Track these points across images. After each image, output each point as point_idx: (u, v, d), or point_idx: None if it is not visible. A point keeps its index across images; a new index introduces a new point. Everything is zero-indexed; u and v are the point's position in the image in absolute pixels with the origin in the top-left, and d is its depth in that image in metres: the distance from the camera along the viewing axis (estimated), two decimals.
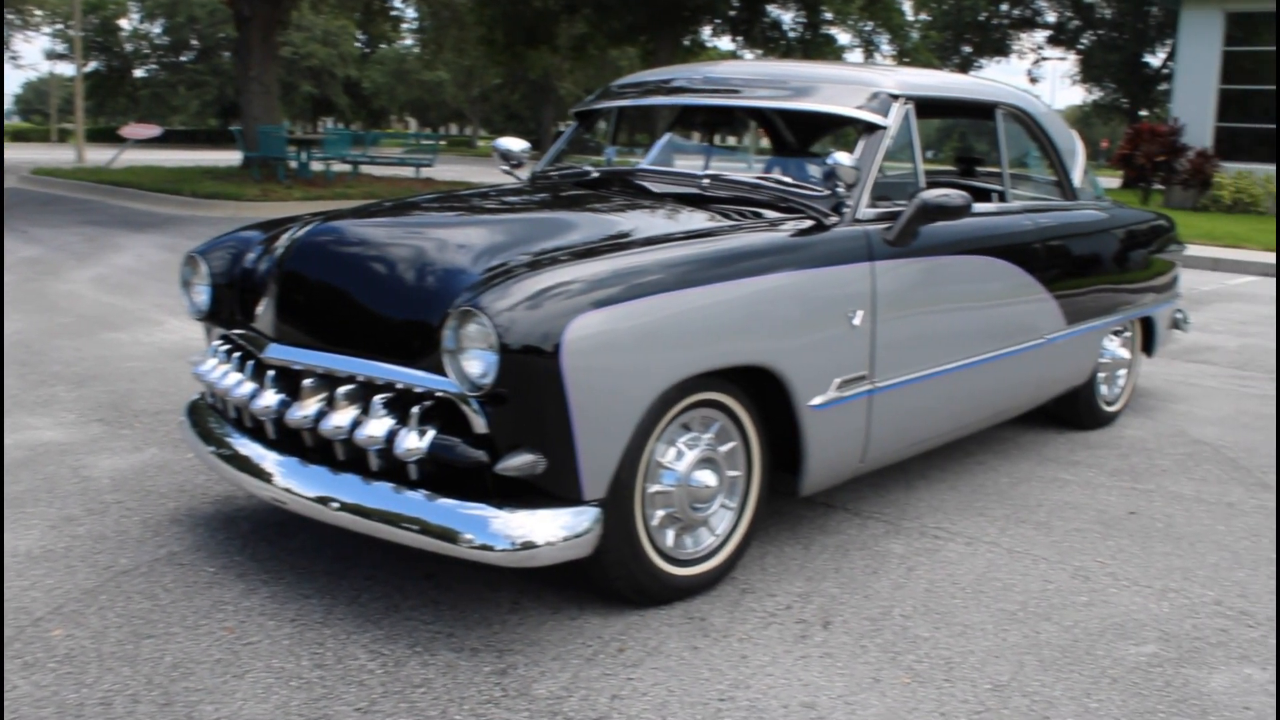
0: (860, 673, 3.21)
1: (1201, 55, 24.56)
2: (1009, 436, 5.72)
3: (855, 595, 3.73)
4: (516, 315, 3.09)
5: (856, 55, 40.67)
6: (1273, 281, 13.62)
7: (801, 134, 5.73)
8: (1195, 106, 24.48)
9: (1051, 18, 47.08)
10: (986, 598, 3.76)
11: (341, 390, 3.39)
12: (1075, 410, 5.82)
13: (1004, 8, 46.63)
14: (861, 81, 4.58)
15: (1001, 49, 48.14)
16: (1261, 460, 5.51)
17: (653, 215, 4.06)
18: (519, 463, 3.14)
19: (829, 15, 32.54)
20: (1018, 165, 5.63)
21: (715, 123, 5.55)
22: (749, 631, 3.44)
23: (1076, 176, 5.68)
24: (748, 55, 34.38)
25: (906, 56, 37.02)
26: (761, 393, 3.74)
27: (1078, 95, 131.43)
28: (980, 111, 5.21)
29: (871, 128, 4.35)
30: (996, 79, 6.67)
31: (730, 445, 3.70)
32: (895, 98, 4.44)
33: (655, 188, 4.52)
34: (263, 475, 3.52)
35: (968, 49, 47.53)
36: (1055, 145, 5.58)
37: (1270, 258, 14.90)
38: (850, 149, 4.28)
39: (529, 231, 3.71)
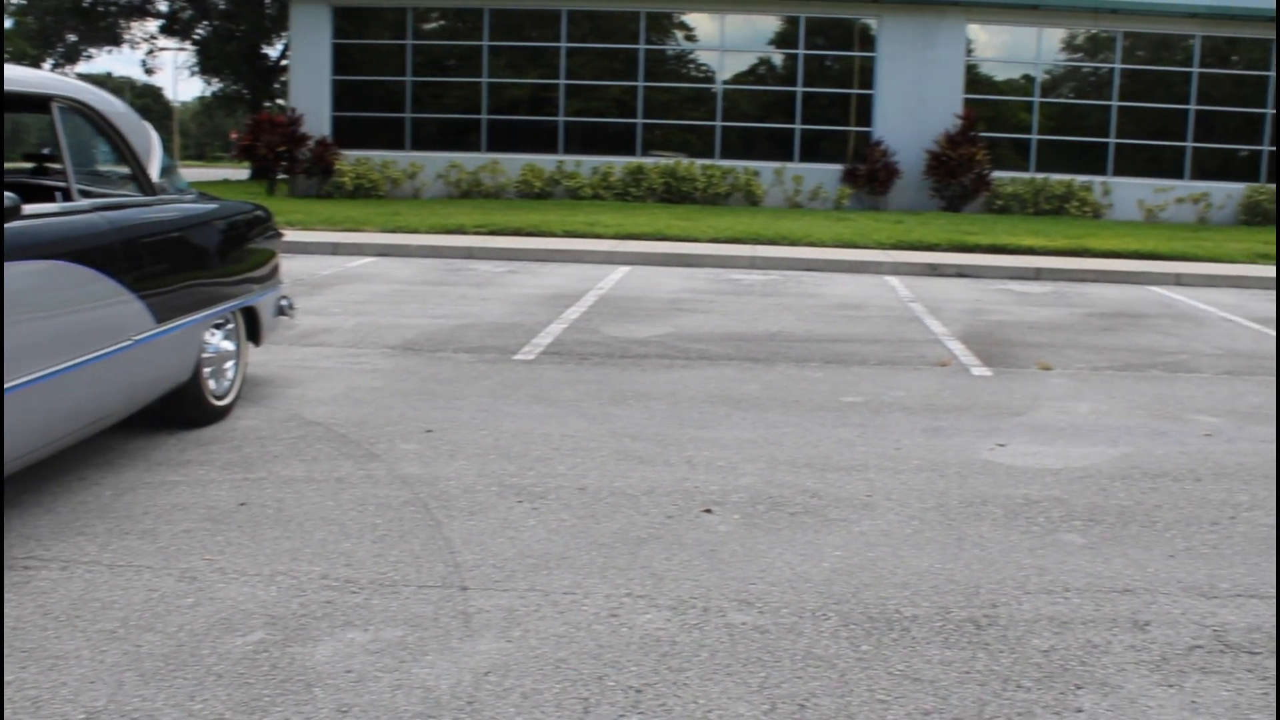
0: None
1: (314, 47, 25.70)
2: (116, 445, 5.49)
3: None
4: None
5: None
6: (388, 260, 14.58)
7: None
8: (313, 97, 25.58)
9: (165, 6, 46.16)
10: (83, 621, 3.56)
11: None
12: (183, 408, 5.72)
13: None
14: None
15: (113, 38, 46.31)
16: (370, 433, 5.82)
17: None
18: None
19: None
20: (87, 162, 5.38)
21: None
22: None
23: (154, 172, 5.55)
24: None
25: None
26: None
27: (199, 86, 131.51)
28: (31, 105, 4.87)
29: None
30: (55, 73, 6.33)
31: None
32: None
33: None
34: None
35: (73, 37, 45.08)
36: (128, 141, 5.40)
37: (385, 238, 15.97)
38: None
39: None
